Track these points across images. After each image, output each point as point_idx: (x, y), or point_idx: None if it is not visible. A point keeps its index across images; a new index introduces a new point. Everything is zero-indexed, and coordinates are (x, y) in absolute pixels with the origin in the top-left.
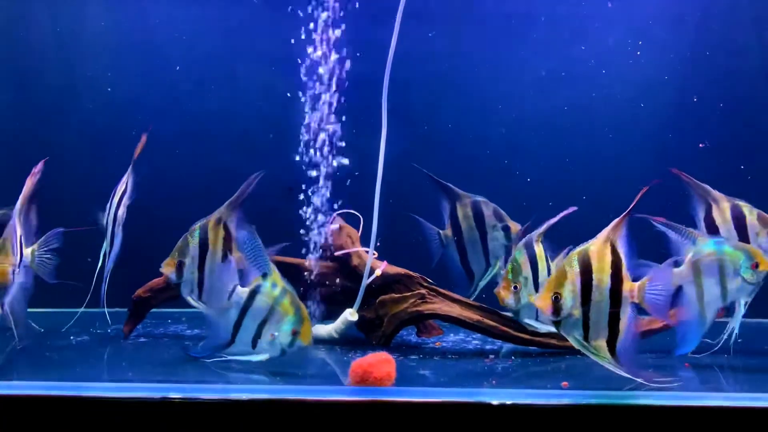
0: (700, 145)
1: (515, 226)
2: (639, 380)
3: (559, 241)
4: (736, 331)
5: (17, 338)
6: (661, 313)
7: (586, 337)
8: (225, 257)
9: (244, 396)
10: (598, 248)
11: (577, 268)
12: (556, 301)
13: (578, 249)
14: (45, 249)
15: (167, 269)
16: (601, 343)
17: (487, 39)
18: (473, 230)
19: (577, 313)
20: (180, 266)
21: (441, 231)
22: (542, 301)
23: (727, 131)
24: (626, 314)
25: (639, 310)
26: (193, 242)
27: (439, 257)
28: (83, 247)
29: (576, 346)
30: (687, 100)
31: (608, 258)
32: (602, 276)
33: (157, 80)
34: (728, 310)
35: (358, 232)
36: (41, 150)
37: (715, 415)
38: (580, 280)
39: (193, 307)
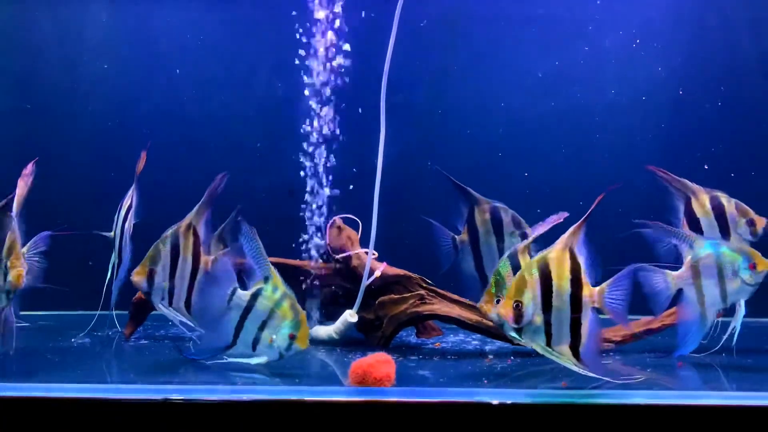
0: (705, 167)
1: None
2: (606, 379)
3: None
4: (737, 330)
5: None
6: (621, 317)
7: (548, 343)
8: (195, 262)
9: (245, 397)
10: (557, 255)
11: (536, 275)
12: (518, 308)
13: (537, 256)
14: (33, 252)
15: (137, 278)
16: (564, 348)
17: (486, 39)
18: (490, 235)
19: (539, 320)
20: (151, 274)
21: (456, 236)
22: (504, 309)
23: (727, 131)
24: (587, 319)
25: (648, 312)
26: (165, 250)
27: (451, 262)
28: (84, 251)
29: (539, 351)
30: (687, 102)
31: (567, 264)
32: (562, 282)
33: (157, 83)
34: (726, 310)
35: (357, 233)
36: (37, 153)
37: (714, 414)
38: (540, 287)
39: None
